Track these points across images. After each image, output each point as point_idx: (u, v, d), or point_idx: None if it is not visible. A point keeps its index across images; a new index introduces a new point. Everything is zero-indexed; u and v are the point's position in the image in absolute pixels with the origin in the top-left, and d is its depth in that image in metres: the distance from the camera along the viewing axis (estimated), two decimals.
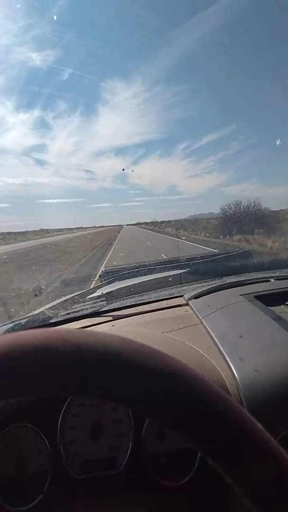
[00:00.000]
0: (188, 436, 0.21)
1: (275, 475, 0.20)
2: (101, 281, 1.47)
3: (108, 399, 0.21)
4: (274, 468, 0.20)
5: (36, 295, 5.17)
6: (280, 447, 0.21)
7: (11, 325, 0.94)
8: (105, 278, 1.48)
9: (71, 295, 1.26)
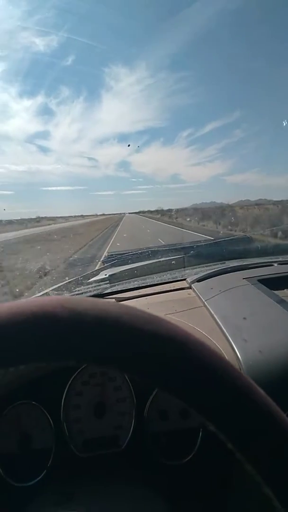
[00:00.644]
0: (188, 401, 0.21)
1: (276, 439, 0.21)
2: (104, 264, 1.47)
3: (107, 365, 0.21)
4: (275, 431, 0.21)
5: None
6: (282, 411, 0.21)
7: None
8: (108, 261, 1.48)
9: (75, 277, 1.27)
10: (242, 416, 0.21)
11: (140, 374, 0.21)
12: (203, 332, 0.63)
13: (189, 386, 0.21)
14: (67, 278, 1.24)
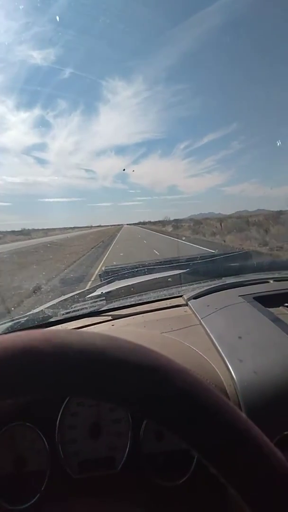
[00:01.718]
0: (174, 430, 0.21)
1: (265, 471, 0.21)
2: (101, 280, 1.47)
3: (94, 398, 0.21)
4: (264, 463, 0.21)
5: None
6: (267, 439, 0.21)
7: (10, 323, 0.94)
8: (105, 277, 1.48)
9: (71, 294, 1.26)
10: (222, 441, 0.21)
11: (125, 405, 0.21)
12: (199, 352, 0.63)
13: (172, 415, 0.21)
14: (63, 296, 1.23)
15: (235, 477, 0.21)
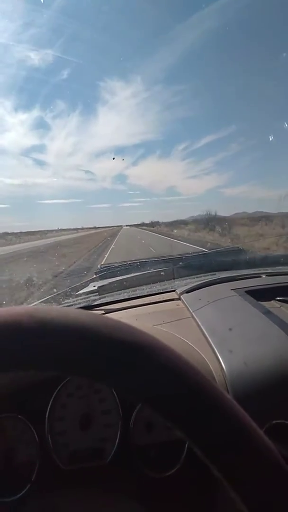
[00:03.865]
0: (157, 408, 0.21)
1: (254, 458, 0.21)
2: (97, 276, 1.47)
3: (75, 373, 0.21)
4: (241, 436, 0.21)
5: None
6: (257, 426, 0.21)
7: None
8: (100, 273, 1.48)
9: (64, 289, 1.26)
10: (201, 417, 0.21)
11: (107, 381, 0.21)
12: (190, 343, 0.63)
13: (154, 391, 0.21)
14: (55, 290, 1.23)
15: (218, 458, 0.21)
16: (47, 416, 0.56)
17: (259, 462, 0.20)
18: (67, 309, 0.22)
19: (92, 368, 0.21)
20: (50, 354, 0.20)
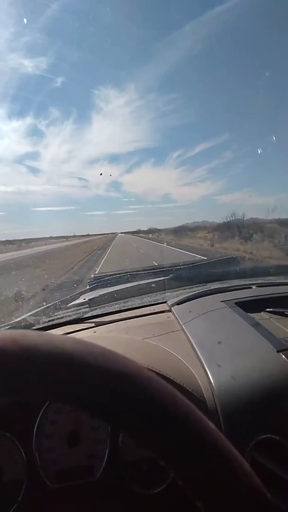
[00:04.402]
0: (138, 437, 0.21)
1: (230, 483, 0.21)
2: (89, 286, 1.46)
3: (59, 401, 0.21)
4: (221, 465, 0.21)
5: None
6: (232, 447, 0.21)
7: None
8: (92, 284, 1.47)
9: (54, 302, 1.25)
10: (190, 453, 0.21)
11: (90, 409, 0.21)
12: (179, 357, 0.63)
13: (137, 422, 0.21)
14: (44, 304, 1.21)
15: (199, 486, 0.21)
16: (34, 433, 0.55)
17: (242, 496, 0.21)
18: (53, 336, 0.22)
19: (75, 397, 0.20)
20: (33, 381, 0.20)
